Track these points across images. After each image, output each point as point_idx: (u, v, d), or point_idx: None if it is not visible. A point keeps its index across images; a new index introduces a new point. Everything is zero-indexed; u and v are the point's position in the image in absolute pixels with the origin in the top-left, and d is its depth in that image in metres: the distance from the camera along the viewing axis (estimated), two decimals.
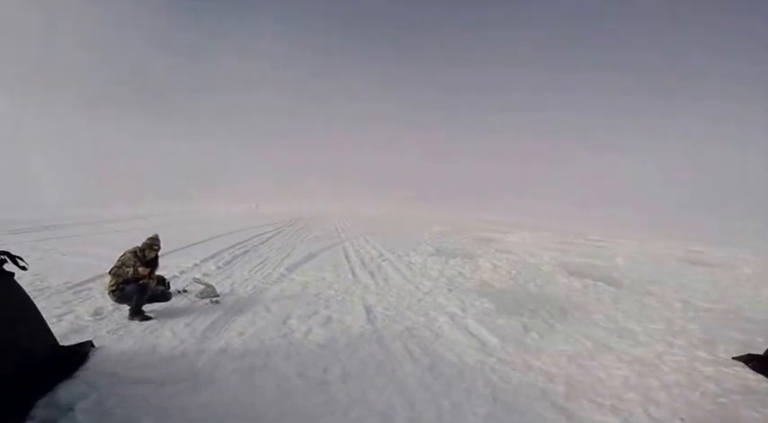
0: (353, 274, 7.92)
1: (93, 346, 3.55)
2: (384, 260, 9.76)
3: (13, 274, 2.80)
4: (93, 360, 3.32)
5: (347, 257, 9.89)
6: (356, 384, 3.21)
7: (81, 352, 3.37)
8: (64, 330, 3.89)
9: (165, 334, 4.04)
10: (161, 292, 4.70)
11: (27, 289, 5.50)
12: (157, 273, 6.09)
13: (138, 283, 4.33)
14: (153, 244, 4.62)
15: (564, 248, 15.35)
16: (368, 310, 5.41)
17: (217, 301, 5.22)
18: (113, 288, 4.33)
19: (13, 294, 2.57)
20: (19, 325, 2.69)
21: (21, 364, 2.66)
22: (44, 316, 4.36)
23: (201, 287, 5.52)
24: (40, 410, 2.56)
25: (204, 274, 6.99)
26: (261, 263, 8.50)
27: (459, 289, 7.03)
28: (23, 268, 2.85)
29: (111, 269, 4.36)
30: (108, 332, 3.95)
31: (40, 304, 4.82)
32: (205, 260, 8.36)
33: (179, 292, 5.62)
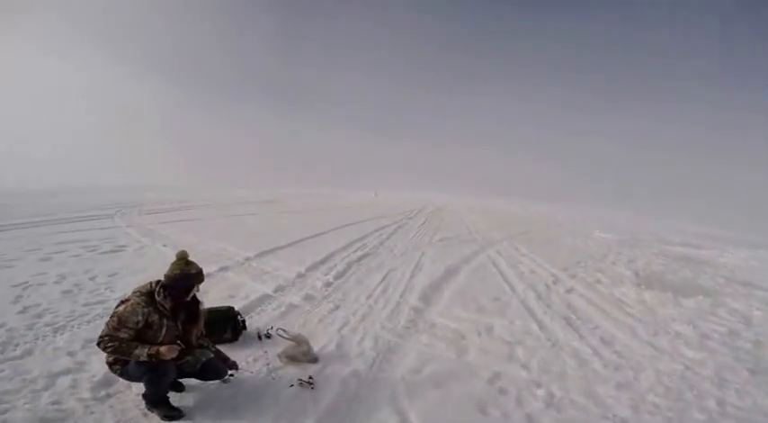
0: (536, 319, 4.64)
1: None
2: (569, 291, 6.16)
3: None
4: None
5: (506, 279, 6.60)
6: None
7: None
8: None
9: None
10: (202, 364, 2.31)
11: (82, 301, 3.55)
12: (237, 294, 3.82)
13: (152, 362, 2.00)
14: (185, 277, 2.22)
15: None
16: None
17: (310, 382, 2.70)
18: (110, 361, 2.12)
19: None
20: None
21: None
22: (38, 372, 2.36)
23: (289, 341, 3.11)
24: None
25: (306, 298, 4.71)
26: (383, 280, 5.93)
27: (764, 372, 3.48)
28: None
29: (103, 334, 2.05)
30: None
31: (57, 341, 2.90)
32: (313, 268, 6.21)
33: (259, 337, 3.36)
